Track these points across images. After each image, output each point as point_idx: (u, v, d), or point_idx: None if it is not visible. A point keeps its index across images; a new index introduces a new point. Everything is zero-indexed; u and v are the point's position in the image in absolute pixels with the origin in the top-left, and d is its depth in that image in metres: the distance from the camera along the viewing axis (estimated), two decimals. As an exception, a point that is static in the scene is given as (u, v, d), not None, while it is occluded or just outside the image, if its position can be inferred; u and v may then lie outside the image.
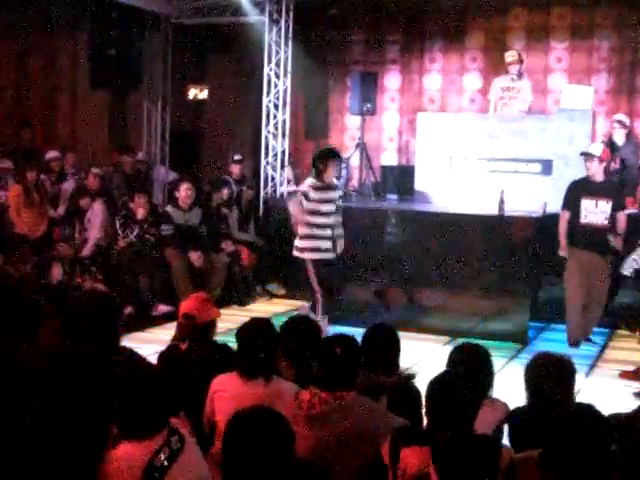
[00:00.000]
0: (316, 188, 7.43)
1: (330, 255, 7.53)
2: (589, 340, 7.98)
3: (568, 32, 11.62)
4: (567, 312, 7.93)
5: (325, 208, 7.46)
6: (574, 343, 7.89)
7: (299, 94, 12.37)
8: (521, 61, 10.26)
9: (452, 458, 2.92)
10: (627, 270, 6.56)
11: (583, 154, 7.86)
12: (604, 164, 7.83)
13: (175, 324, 4.63)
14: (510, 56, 10.20)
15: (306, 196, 7.44)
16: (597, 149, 7.85)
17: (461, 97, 12.25)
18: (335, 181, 7.69)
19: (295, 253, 7.55)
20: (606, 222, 7.70)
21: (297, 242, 7.54)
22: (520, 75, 10.22)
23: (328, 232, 7.48)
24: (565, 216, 7.85)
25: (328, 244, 7.49)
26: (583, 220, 7.76)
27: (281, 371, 4.02)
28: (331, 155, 7.65)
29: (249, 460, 2.65)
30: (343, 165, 11.24)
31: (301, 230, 7.52)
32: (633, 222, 8.43)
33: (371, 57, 12.66)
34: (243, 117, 12.51)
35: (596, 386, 6.69)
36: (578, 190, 7.84)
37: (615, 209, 7.75)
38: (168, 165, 11.45)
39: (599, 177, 7.79)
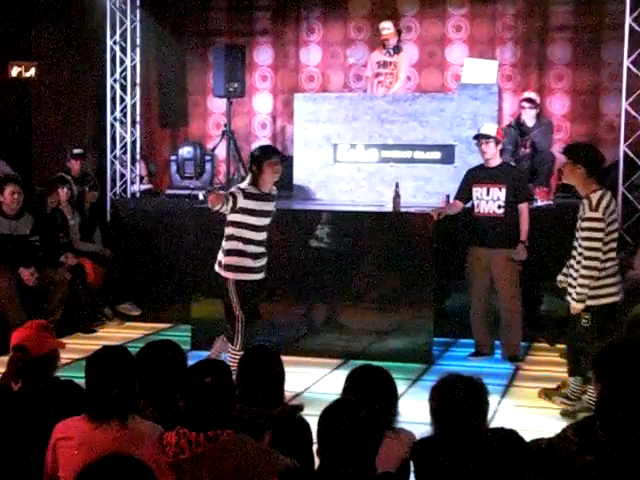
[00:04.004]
0: (248, 195, 7.01)
1: (259, 275, 7.19)
2: (514, 359, 8.19)
3: (468, -4, 11.94)
4: (470, 321, 8.37)
5: (259, 222, 7.10)
6: (477, 353, 8.34)
7: (151, 72, 12.28)
8: (399, 32, 10.49)
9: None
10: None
11: (477, 137, 8.15)
12: (500, 146, 8.18)
13: (3, 359, 4.50)
14: (385, 29, 10.41)
15: (234, 201, 6.98)
16: (492, 129, 8.17)
17: (345, 74, 12.39)
18: (274, 189, 7.26)
19: (217, 268, 7.18)
20: (500, 211, 8.06)
21: (220, 256, 7.17)
22: (397, 49, 10.43)
23: (260, 249, 7.14)
24: (456, 204, 8.32)
25: (259, 262, 7.15)
26: (476, 210, 8.16)
27: (140, 409, 3.95)
28: (266, 154, 7.19)
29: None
30: (207, 158, 11.22)
31: (226, 244, 7.13)
32: (547, 216, 8.72)
33: (237, 27, 12.67)
34: (82, 101, 12.28)
35: (513, 408, 6.87)
36: (471, 178, 8.25)
37: (515, 198, 8.06)
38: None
39: (494, 161, 8.15)
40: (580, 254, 6.56)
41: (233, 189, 7.15)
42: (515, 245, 8.04)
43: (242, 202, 6.99)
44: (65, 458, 3.66)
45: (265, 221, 7.17)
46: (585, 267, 6.50)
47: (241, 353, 6.68)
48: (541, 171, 9.69)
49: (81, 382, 4.04)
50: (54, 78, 12.34)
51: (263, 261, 7.19)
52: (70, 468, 3.47)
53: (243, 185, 7.13)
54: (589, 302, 6.55)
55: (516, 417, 6.44)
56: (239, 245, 7.06)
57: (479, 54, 11.25)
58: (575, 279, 6.58)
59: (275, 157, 7.20)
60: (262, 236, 7.18)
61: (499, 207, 8.07)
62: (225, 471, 3.42)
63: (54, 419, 3.80)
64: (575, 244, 6.66)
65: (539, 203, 9.15)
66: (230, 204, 6.94)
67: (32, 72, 12.39)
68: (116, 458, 2.77)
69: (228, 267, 7.09)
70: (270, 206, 7.20)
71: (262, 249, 7.17)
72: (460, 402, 3.74)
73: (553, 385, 7.15)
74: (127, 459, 2.77)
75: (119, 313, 9.94)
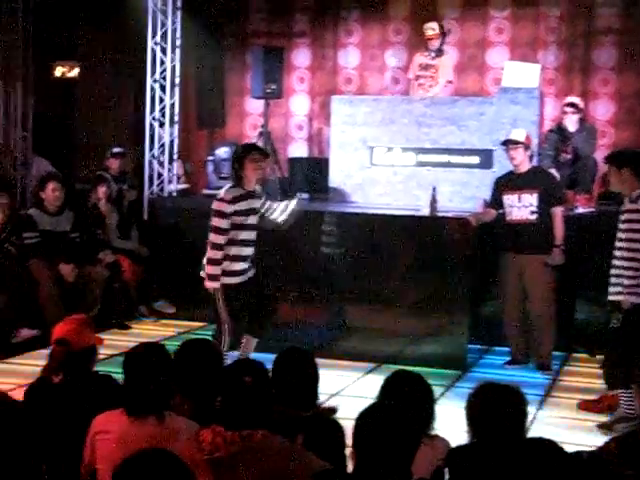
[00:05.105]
0: (233, 200, 6.98)
1: (247, 276, 7.17)
2: (544, 367, 8.13)
3: (510, -2, 11.84)
4: (505, 328, 8.34)
5: (248, 220, 7.08)
6: (513, 362, 8.27)
7: (190, 73, 12.32)
8: (443, 34, 10.45)
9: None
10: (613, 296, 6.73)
11: (505, 143, 8.12)
12: (529, 152, 8.15)
13: (43, 352, 4.55)
14: (430, 29, 10.37)
15: (221, 214, 6.96)
16: (521, 134, 8.14)
17: (383, 76, 12.38)
18: (258, 188, 7.26)
19: (202, 274, 7.14)
20: (533, 217, 8.00)
21: (205, 261, 7.12)
22: (440, 52, 10.39)
23: (249, 250, 7.14)
24: (490, 212, 8.34)
25: (246, 264, 7.15)
26: (508, 218, 8.11)
27: (176, 406, 3.98)
28: (245, 151, 7.21)
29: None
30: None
31: (211, 253, 7.05)
32: (589, 223, 8.65)
33: (276, 28, 12.71)
34: (123, 101, 12.38)
35: (550, 420, 6.78)
36: (501, 186, 8.21)
37: (548, 203, 8.00)
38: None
39: (524, 167, 8.11)
40: (621, 248, 6.50)
41: (214, 205, 7.03)
42: (549, 250, 7.97)
43: (230, 209, 6.95)
44: (103, 451, 3.71)
45: (254, 219, 7.15)
46: (629, 259, 6.44)
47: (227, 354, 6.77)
48: (583, 177, 9.55)
49: (118, 377, 4.10)
50: (96, 78, 12.46)
51: (248, 263, 7.16)
52: (108, 461, 3.51)
53: (223, 193, 7.04)
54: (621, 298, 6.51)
55: (553, 428, 6.32)
56: (232, 249, 7.03)
57: (521, 57, 11.14)
58: (618, 276, 6.53)
59: (256, 153, 7.21)
60: (253, 235, 7.17)
61: (532, 213, 8.01)
62: (259, 471, 3.42)
63: (93, 412, 3.85)
64: (616, 243, 6.61)
65: (580, 210, 9.09)
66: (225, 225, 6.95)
67: (75, 72, 12.52)
68: (154, 453, 2.79)
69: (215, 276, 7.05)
70: (256, 203, 7.18)
71: (251, 250, 7.16)
72: (498, 410, 3.71)
73: (592, 397, 7.08)
74: (164, 454, 2.79)
75: (154, 311, 9.99)
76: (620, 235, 6.54)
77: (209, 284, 7.00)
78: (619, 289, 6.49)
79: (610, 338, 6.67)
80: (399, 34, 12.27)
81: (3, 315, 8.56)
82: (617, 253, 6.57)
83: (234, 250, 7.04)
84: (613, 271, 6.59)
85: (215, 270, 6.99)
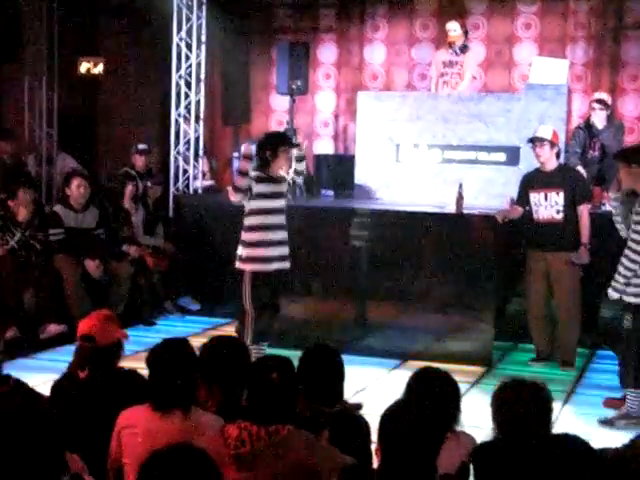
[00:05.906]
0: (260, 179, 7.10)
1: (282, 265, 7.20)
2: (567, 364, 8.13)
3: (538, -8, 11.82)
4: (529, 326, 8.34)
5: (276, 204, 7.17)
6: (538, 359, 8.27)
7: (215, 69, 12.36)
8: (466, 33, 10.44)
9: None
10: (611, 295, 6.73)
11: (532, 140, 8.11)
12: (556, 149, 8.12)
13: (70, 348, 4.59)
14: (452, 30, 10.35)
15: (249, 188, 7.08)
16: (547, 132, 8.11)
17: (410, 73, 12.38)
18: (282, 173, 7.32)
19: (238, 265, 7.23)
20: (559, 216, 8.00)
21: (240, 250, 7.21)
22: (464, 48, 10.39)
23: (280, 235, 7.17)
24: (517, 209, 8.27)
25: (281, 250, 7.18)
26: (534, 216, 8.12)
27: (202, 402, 4.02)
28: (283, 141, 7.33)
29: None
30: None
31: (246, 235, 7.18)
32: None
33: (302, 24, 12.74)
34: (148, 97, 12.43)
35: (575, 417, 6.79)
36: (527, 184, 8.20)
37: (574, 201, 7.99)
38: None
39: (550, 165, 8.09)
40: (630, 248, 6.51)
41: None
42: (575, 249, 7.97)
43: (256, 187, 7.06)
44: (129, 446, 3.75)
45: (280, 203, 7.22)
46: (633, 261, 6.46)
47: (253, 347, 6.77)
48: (610, 175, 9.52)
49: (144, 373, 4.13)
50: (121, 74, 12.52)
51: (281, 249, 7.20)
52: (134, 455, 3.56)
53: (252, 172, 7.18)
54: (632, 300, 6.50)
55: (578, 425, 6.36)
56: (260, 235, 7.10)
57: (549, 53, 11.12)
58: (629, 278, 6.51)
59: (290, 145, 7.33)
60: (280, 219, 7.21)
61: (558, 212, 8.01)
62: (285, 466, 3.45)
63: (119, 407, 3.89)
64: (629, 243, 6.60)
65: (607, 207, 9.05)
66: (247, 194, 7.05)
67: (100, 68, 12.59)
68: (180, 448, 2.80)
69: (246, 259, 7.14)
70: (282, 187, 7.25)
71: (282, 235, 7.19)
72: (524, 407, 3.71)
73: (617, 394, 7.06)
74: (191, 449, 2.81)
75: (179, 307, 10.04)
76: (633, 236, 6.53)
77: (236, 263, 7.19)
78: (633, 290, 6.48)
79: (623, 338, 6.66)
80: (426, 30, 12.27)
81: (30, 311, 8.64)
82: (631, 255, 6.56)
83: (259, 235, 7.12)
84: (627, 273, 6.57)
85: (238, 250, 7.19)
